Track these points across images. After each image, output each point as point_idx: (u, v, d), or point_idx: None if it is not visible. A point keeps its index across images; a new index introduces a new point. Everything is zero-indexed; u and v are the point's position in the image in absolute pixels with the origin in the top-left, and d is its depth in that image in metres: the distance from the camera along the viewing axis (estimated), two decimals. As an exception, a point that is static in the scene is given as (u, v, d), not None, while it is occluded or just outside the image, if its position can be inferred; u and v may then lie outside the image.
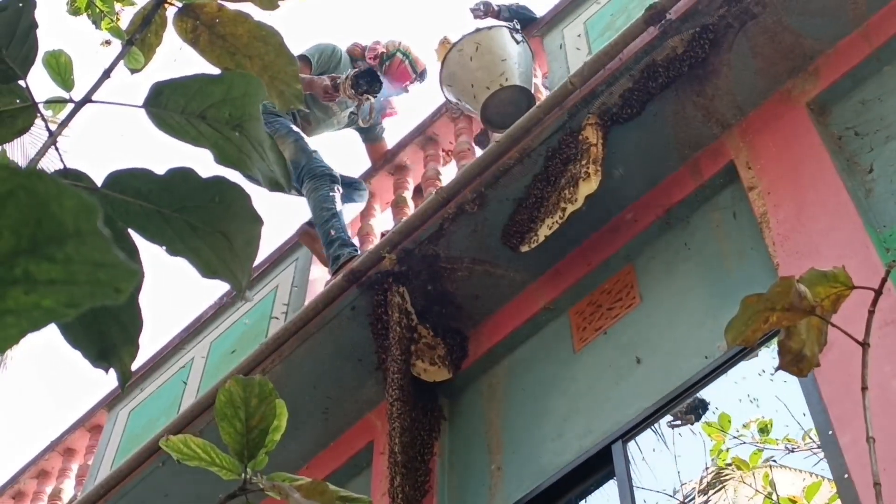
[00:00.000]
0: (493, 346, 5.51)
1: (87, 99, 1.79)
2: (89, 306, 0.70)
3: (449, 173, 6.97)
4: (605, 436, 4.50)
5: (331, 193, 6.52)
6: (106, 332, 1.73)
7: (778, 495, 4.46)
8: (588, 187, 4.99)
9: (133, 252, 1.77)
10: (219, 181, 1.66)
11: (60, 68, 1.88)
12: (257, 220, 1.63)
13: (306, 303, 6.23)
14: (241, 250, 1.62)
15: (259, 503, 2.45)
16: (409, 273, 5.55)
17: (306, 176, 6.62)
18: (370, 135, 7.41)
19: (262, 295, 7.21)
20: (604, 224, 5.33)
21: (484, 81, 5.93)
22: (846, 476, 3.34)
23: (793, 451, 4.41)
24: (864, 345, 1.68)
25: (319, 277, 6.90)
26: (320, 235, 6.45)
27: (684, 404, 4.38)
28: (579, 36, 6.19)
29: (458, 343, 5.63)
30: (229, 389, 2.27)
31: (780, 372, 4.36)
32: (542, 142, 5.23)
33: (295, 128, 6.94)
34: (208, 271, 1.68)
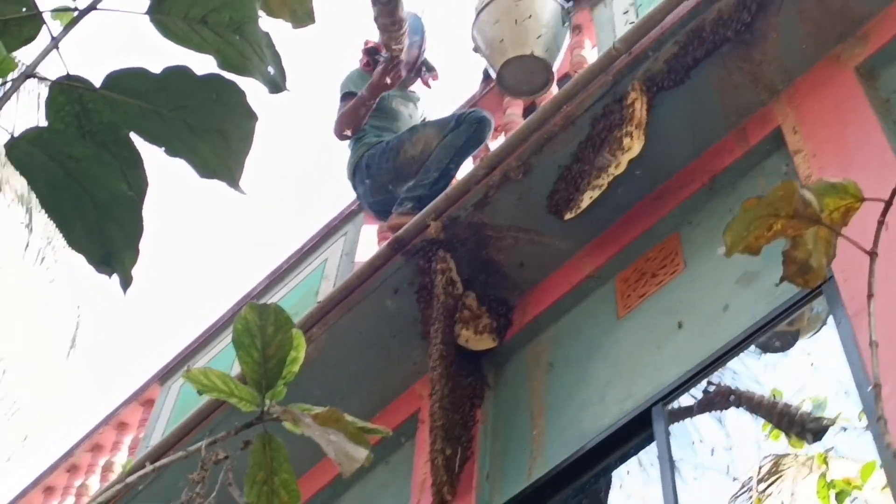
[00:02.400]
0: (539, 315, 5.49)
1: (91, 7, 1.80)
2: None
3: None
4: (646, 399, 4.47)
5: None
6: (108, 237, 1.74)
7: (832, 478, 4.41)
8: (631, 153, 4.95)
9: (137, 161, 1.78)
10: (215, 78, 1.66)
11: (67, -23, 1.88)
12: (252, 116, 1.63)
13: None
14: (236, 145, 1.62)
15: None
16: (455, 241, 5.54)
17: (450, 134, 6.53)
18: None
19: (311, 270, 7.24)
20: (649, 192, 5.28)
21: (516, 41, 5.88)
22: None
23: (846, 430, 4.35)
24: (872, 254, 1.65)
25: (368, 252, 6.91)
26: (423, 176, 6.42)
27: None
28: (629, 5, 6.13)
29: (503, 312, 5.61)
30: (245, 317, 2.27)
31: (829, 350, 4.33)
32: (586, 108, 5.20)
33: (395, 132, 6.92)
34: (206, 170, 1.69)
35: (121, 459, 8.20)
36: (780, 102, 4.98)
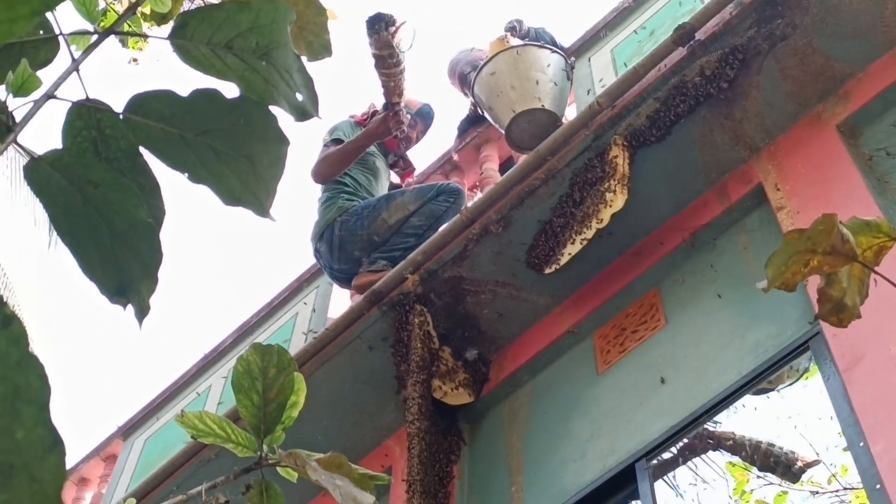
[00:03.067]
0: (516, 371, 5.44)
1: (111, 31, 1.75)
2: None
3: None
4: (629, 455, 4.42)
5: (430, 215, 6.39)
6: (124, 266, 1.68)
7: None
8: (614, 207, 4.94)
9: (154, 188, 1.73)
10: (244, 101, 1.61)
11: (86, 1, 1.84)
12: (283, 141, 1.58)
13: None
14: (265, 172, 1.57)
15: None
16: (432, 295, 5.49)
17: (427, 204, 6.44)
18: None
19: (282, 323, 7.16)
20: (629, 248, 5.27)
21: (523, 96, 5.83)
22: (878, 487, 3.26)
23: (817, 494, 4.31)
24: (910, 290, 1.61)
25: (341, 305, 6.85)
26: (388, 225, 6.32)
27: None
28: (606, 63, 6.15)
29: (480, 367, 5.56)
30: (247, 358, 2.22)
31: (804, 408, 4.31)
32: (567, 163, 5.19)
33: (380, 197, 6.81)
34: (231, 198, 1.63)
35: (82, 515, 8.04)
36: (761, 160, 4.99)
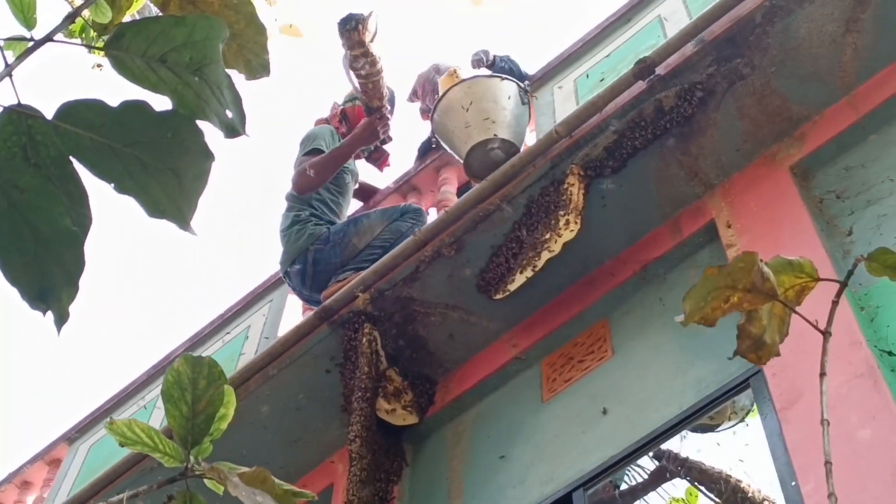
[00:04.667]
0: (462, 394, 5.45)
1: (47, 38, 1.75)
2: None
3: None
4: (567, 483, 4.43)
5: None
6: (47, 272, 1.68)
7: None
8: (566, 237, 4.95)
9: (81, 196, 1.72)
10: (173, 115, 1.62)
11: (23, 6, 1.84)
12: (208, 156, 1.59)
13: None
14: (189, 185, 1.57)
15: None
16: (382, 314, 5.49)
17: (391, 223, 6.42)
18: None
19: (234, 335, 7.14)
20: (580, 277, 5.29)
21: (477, 127, 5.86)
22: (807, 527, 3.28)
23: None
24: (826, 333, 1.64)
25: (294, 319, 6.84)
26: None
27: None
28: (569, 93, 6.19)
29: (426, 389, 5.56)
30: (177, 369, 2.21)
31: (747, 447, 4.33)
32: (523, 189, 5.21)
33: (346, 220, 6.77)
34: (155, 210, 1.64)
35: (22, 519, 7.97)
36: (715, 196, 5.02)
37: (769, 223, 4.62)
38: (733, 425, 4.48)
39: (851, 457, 3.29)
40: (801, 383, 3.62)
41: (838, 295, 1.66)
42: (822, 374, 1.59)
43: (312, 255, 6.34)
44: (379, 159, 7.18)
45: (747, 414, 4.38)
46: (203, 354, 6.08)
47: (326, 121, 7.22)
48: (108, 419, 2.28)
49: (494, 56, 7.17)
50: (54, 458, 8.07)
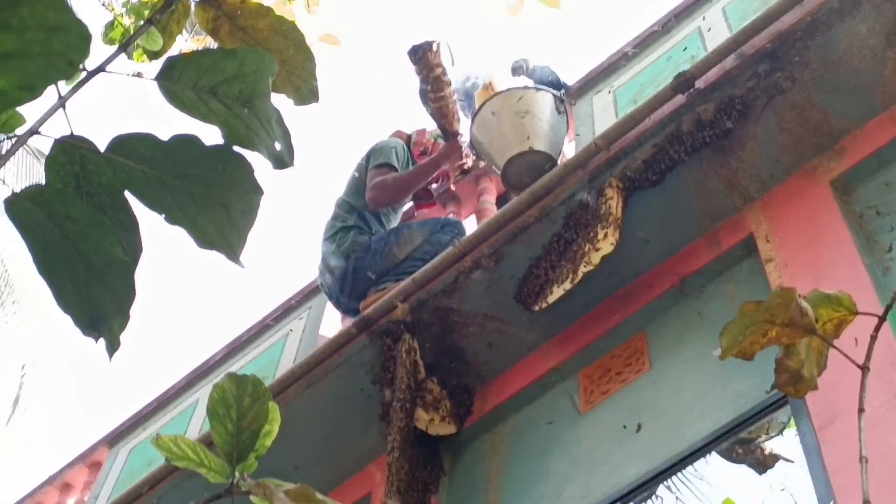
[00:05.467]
0: (500, 404, 5.46)
1: (100, 69, 1.79)
2: (42, 86, 0.68)
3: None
4: (603, 498, 4.44)
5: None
6: (98, 301, 1.71)
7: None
8: (604, 250, 4.97)
9: (133, 225, 1.76)
10: (222, 150, 1.65)
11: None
12: (257, 191, 1.62)
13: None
14: (238, 220, 1.61)
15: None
16: (421, 324, 5.52)
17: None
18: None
19: (273, 341, 7.19)
20: (618, 289, 5.30)
21: (514, 139, 5.89)
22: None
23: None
24: (864, 368, 1.65)
25: (333, 327, 6.88)
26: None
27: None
28: (608, 104, 6.20)
29: (464, 399, 5.58)
30: (222, 386, 2.24)
31: (783, 457, 4.33)
32: (562, 201, 5.22)
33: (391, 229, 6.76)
34: (205, 242, 1.67)
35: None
36: (754, 210, 5.02)
37: (808, 237, 4.62)
38: (770, 438, 4.48)
39: (890, 473, 3.29)
40: (840, 403, 3.62)
41: (877, 329, 1.67)
42: (861, 411, 1.61)
43: (353, 262, 6.36)
44: (427, 200, 7.16)
45: (784, 428, 4.38)
46: (241, 361, 6.15)
47: (409, 138, 7.16)
48: (156, 435, 2.32)
49: (534, 65, 7.21)
50: (94, 462, 8.15)
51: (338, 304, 6.59)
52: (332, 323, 6.98)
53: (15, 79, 0.63)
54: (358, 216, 6.63)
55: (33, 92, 0.66)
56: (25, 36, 0.63)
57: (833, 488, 3.47)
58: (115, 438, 7.94)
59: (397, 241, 6.39)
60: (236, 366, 7.19)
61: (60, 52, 0.65)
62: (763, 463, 4.38)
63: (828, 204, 4.72)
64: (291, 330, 7.09)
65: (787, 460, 4.19)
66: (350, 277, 6.36)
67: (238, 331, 7.69)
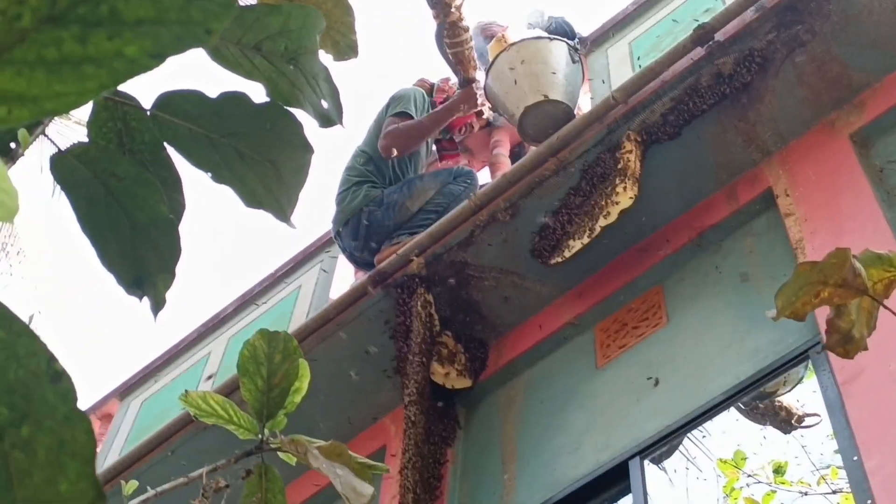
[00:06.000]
0: (515, 358, 5.46)
1: (142, 24, 1.76)
2: (173, 54, 0.66)
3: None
4: (623, 451, 4.45)
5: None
6: (143, 260, 1.70)
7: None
8: (622, 203, 4.95)
9: (176, 182, 1.74)
10: (271, 107, 1.62)
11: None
12: (308, 149, 1.60)
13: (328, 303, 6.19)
14: (288, 178, 1.58)
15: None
16: (436, 278, 5.51)
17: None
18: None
19: (284, 294, 7.19)
20: (635, 243, 5.29)
21: (529, 90, 5.85)
22: (869, 502, 3.28)
23: (806, 495, 4.34)
24: (916, 328, 1.63)
25: (345, 280, 6.87)
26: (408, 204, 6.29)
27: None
28: (623, 56, 6.16)
29: (479, 352, 5.58)
30: (253, 343, 2.24)
31: (803, 412, 4.32)
32: (579, 155, 5.20)
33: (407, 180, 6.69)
34: (252, 201, 1.65)
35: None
36: (772, 164, 5.00)
37: (828, 192, 4.60)
38: (788, 391, 4.48)
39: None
40: (863, 358, 3.60)
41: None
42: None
43: (366, 216, 6.33)
44: (450, 151, 7.12)
45: (798, 382, 4.38)
46: (253, 314, 6.14)
47: (432, 87, 7.11)
48: (184, 391, 2.31)
49: (550, 17, 7.14)
50: (106, 414, 8.16)
51: (351, 258, 6.57)
52: (345, 277, 6.97)
53: (147, 46, 0.61)
54: (375, 166, 6.59)
55: (163, 59, 0.64)
56: (163, 2, 0.61)
57: (857, 442, 3.47)
58: (126, 391, 7.95)
59: (410, 194, 6.36)
60: (247, 319, 7.20)
61: (199, 21, 0.63)
62: (788, 422, 4.37)
63: (847, 158, 4.70)
64: (302, 285, 7.09)
65: (811, 415, 4.18)
66: (363, 231, 6.32)
67: (250, 283, 7.69)
